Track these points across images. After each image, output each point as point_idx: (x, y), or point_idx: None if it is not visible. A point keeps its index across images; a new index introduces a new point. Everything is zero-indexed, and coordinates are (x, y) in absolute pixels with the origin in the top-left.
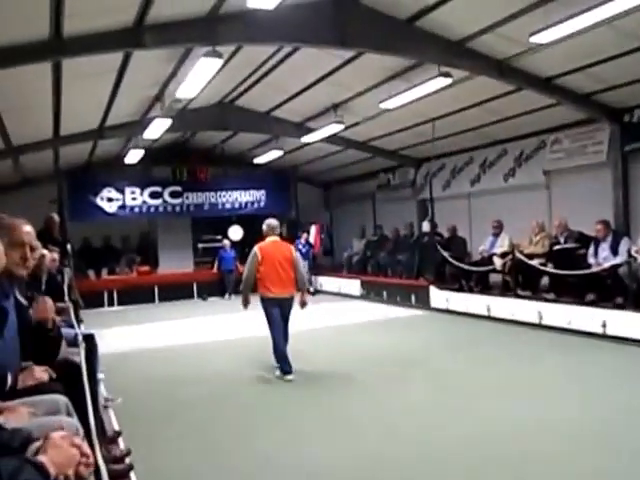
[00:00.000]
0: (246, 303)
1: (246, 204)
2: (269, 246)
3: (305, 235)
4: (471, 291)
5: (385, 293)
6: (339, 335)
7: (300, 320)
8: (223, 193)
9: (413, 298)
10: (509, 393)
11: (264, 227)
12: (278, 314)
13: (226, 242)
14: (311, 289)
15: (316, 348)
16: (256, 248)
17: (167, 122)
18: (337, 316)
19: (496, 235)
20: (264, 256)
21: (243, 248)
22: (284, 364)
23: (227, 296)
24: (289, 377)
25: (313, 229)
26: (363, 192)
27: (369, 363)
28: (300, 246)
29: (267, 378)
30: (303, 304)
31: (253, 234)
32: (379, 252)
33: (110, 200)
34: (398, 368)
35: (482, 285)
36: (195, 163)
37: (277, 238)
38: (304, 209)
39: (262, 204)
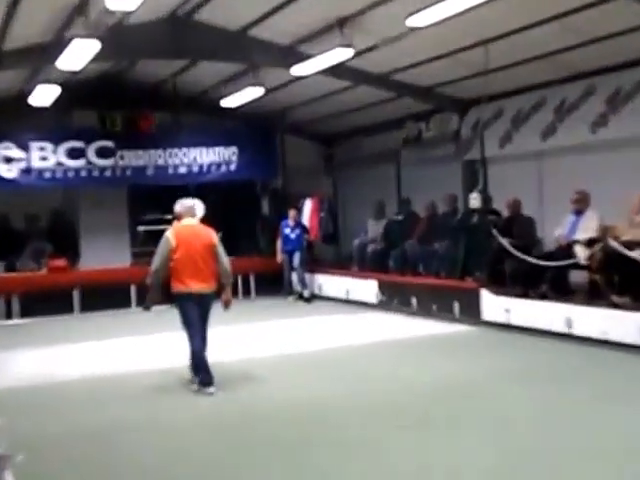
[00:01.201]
0: (153, 302)
1: (209, 168)
2: (185, 231)
3: (294, 213)
4: (543, 297)
5: (414, 300)
6: (343, 363)
7: (287, 339)
8: (175, 151)
9: (456, 307)
10: (623, 461)
11: (177, 207)
12: (196, 313)
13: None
14: (305, 293)
15: (307, 382)
16: (168, 233)
17: (93, 45)
18: (343, 334)
19: (579, 213)
20: (179, 243)
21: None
22: (204, 374)
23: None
24: (210, 390)
25: (308, 205)
26: (382, 150)
27: (386, 408)
28: (287, 230)
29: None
30: (227, 303)
31: (222, 211)
32: (406, 239)
33: (8, 161)
34: (434, 417)
35: (559, 288)
36: (134, 107)
37: (195, 221)
38: (295, 175)
39: (233, 167)
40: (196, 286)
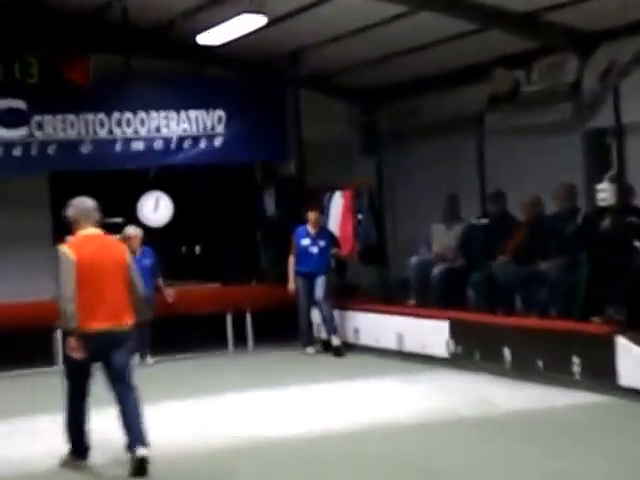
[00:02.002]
0: (79, 346)
1: (180, 143)
2: (86, 245)
3: (316, 216)
4: None
5: (508, 353)
6: (405, 458)
7: (308, 419)
8: (127, 117)
9: (576, 365)
10: None
11: (71, 211)
12: (91, 364)
13: (131, 231)
14: (333, 341)
15: None
16: (65, 248)
17: None
18: (397, 409)
19: None
20: (79, 263)
21: (175, 244)
22: (78, 442)
23: (138, 359)
24: (83, 463)
25: (338, 202)
26: (455, 115)
27: None
28: (305, 241)
29: None
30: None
31: (200, 213)
32: (494, 255)
33: None
34: None
35: None
36: (60, 46)
37: (97, 230)
38: (316, 155)
39: (218, 143)
40: (102, 324)
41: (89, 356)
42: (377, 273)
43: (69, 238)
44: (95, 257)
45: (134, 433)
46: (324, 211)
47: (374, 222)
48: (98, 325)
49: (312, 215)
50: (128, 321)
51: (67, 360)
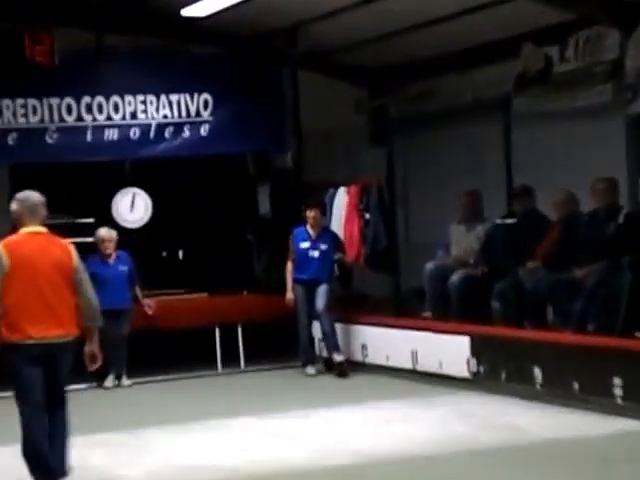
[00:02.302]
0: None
1: (161, 132)
2: (25, 245)
3: (317, 215)
4: None
5: (538, 372)
6: None
7: (307, 443)
8: (99, 101)
9: (617, 387)
10: None
11: (14, 206)
12: (40, 377)
13: (105, 233)
14: (336, 358)
15: None
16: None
17: None
18: (409, 433)
19: None
20: (15, 265)
21: (155, 248)
22: (39, 473)
23: (112, 380)
24: None
25: (342, 199)
26: (477, 98)
27: None
28: (304, 244)
29: None
30: (93, 359)
31: (183, 212)
32: (522, 261)
33: None
34: None
35: None
36: (18, 18)
37: (42, 228)
38: (318, 145)
39: (204, 131)
40: (42, 332)
41: (36, 368)
42: (387, 281)
43: (8, 238)
44: (33, 258)
45: (56, 461)
46: (326, 210)
47: (384, 223)
48: (34, 334)
49: (312, 214)
50: (71, 331)
51: (18, 376)
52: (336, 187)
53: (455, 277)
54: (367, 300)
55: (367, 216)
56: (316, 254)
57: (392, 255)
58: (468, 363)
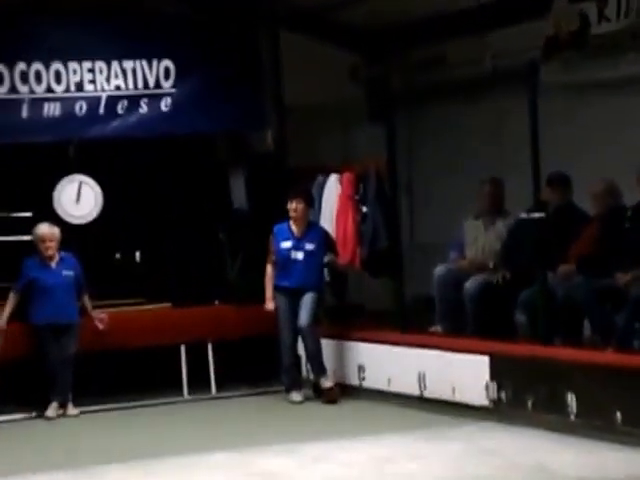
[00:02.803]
0: None
1: (112, 106)
2: None
3: (302, 207)
4: None
5: (572, 399)
6: None
7: None
8: (37, 69)
9: None
10: None
11: None
12: None
13: (45, 230)
14: (324, 383)
15: None
16: None
17: None
18: (416, 474)
19: None
20: None
21: (107, 249)
22: None
23: (55, 409)
24: None
25: (333, 188)
26: (497, 66)
27: None
28: (286, 243)
29: None
30: None
31: (140, 205)
32: (553, 264)
33: None
34: None
35: None
36: None
37: None
38: (303, 123)
39: (165, 106)
40: None
41: None
42: (389, 289)
43: None
44: None
45: None
46: (314, 201)
47: (384, 217)
48: None
49: (295, 206)
50: None
51: None
52: (326, 174)
53: (471, 284)
54: (365, 312)
55: (364, 209)
56: (300, 256)
57: (395, 257)
58: (487, 388)
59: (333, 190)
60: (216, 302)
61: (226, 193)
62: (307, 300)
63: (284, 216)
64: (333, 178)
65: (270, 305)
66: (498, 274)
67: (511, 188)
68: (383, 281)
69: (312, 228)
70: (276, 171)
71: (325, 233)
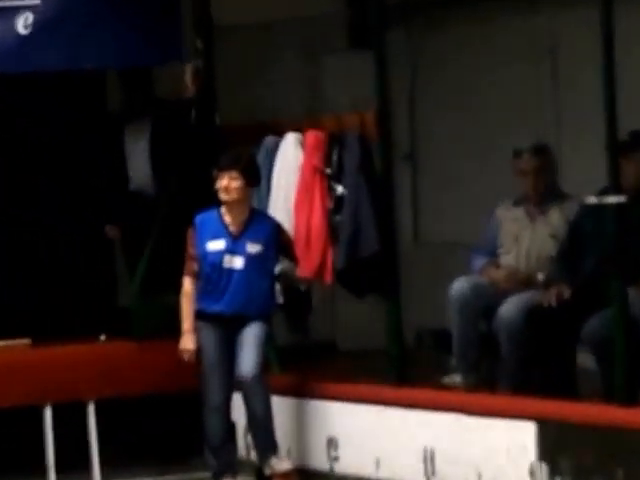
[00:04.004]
0: None
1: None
2: None
3: (234, 186)
4: None
5: None
6: None
7: None
8: None
9: None
10: None
11: None
12: None
13: None
14: (276, 465)
15: None
16: None
17: None
18: None
19: None
20: None
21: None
22: None
23: None
24: None
25: (289, 153)
26: None
27: None
28: (219, 243)
29: None
30: None
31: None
32: (634, 273)
33: None
34: None
35: None
36: None
37: None
38: (244, 52)
39: (27, 27)
40: None
41: None
42: (378, 316)
43: None
44: None
45: None
46: (259, 178)
47: (372, 204)
48: None
49: (229, 185)
50: None
51: None
52: (279, 133)
53: (509, 308)
54: (338, 352)
55: (339, 190)
56: (239, 263)
57: (388, 267)
58: (533, 474)
59: (291, 159)
60: (101, 337)
61: (119, 164)
62: (250, 335)
63: (212, 201)
64: (291, 140)
65: (189, 342)
66: (552, 292)
67: (570, 159)
68: (369, 304)
69: (257, 220)
70: (198, 129)
71: (277, 228)
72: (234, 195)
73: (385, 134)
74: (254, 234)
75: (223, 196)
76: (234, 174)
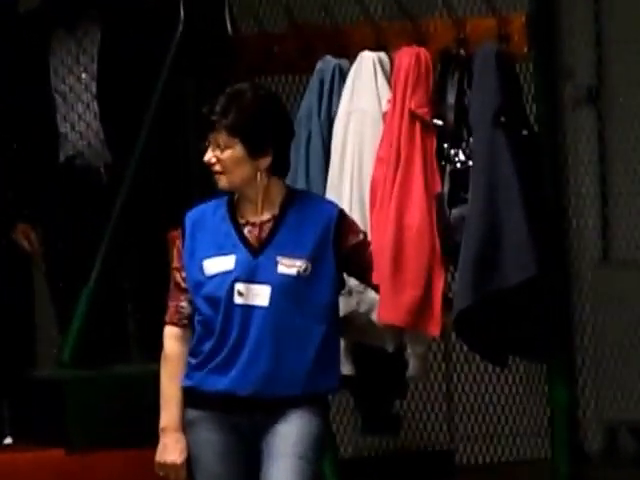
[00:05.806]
0: None
1: None
2: None
3: (226, 155)
4: None
5: None
6: None
7: None
8: None
9: None
10: None
11: None
12: None
13: None
14: None
15: None
16: None
17: None
18: None
19: None
20: None
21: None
22: None
23: None
24: None
25: (363, 90)
26: None
27: None
28: (225, 261)
29: None
30: None
31: None
32: None
33: None
34: None
35: None
36: None
37: None
38: None
39: None
40: None
41: None
42: (533, 399)
43: None
44: None
45: None
46: (289, 138)
47: (523, 187)
48: None
49: (212, 157)
50: None
51: None
52: (344, 52)
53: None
54: (460, 469)
55: (459, 158)
56: (262, 298)
57: (556, 308)
58: None
59: (368, 100)
60: (6, 439)
61: (39, 110)
62: (287, 439)
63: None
64: (367, 64)
65: (172, 450)
66: None
67: None
68: (516, 380)
69: (296, 211)
70: (191, 44)
71: (340, 223)
72: (235, 178)
73: (545, 51)
74: (291, 239)
75: (220, 182)
76: (228, 136)
